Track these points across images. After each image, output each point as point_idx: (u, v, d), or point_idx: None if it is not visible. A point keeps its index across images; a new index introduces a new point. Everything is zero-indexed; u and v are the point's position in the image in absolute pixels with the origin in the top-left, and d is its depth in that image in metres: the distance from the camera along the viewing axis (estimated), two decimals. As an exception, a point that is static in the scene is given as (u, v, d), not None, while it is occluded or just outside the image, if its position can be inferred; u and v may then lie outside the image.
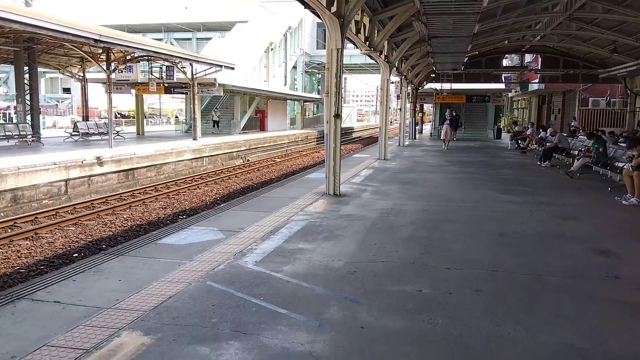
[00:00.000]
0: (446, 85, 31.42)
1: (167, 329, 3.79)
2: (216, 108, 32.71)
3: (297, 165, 24.55)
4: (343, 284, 4.86)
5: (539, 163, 16.57)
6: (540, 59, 28.24)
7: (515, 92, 38.56)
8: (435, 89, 32.30)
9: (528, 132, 23.57)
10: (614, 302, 4.57)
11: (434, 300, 4.48)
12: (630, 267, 5.64)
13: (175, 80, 24.90)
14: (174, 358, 3.36)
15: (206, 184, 17.39)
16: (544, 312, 4.27)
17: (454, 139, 27.20)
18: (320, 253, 5.89)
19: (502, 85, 35.00)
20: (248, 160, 25.43)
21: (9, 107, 41.73)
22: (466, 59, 21.51)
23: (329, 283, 4.88)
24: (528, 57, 33.03)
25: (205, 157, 21.85)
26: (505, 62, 33.78)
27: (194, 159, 20.83)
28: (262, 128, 35.85)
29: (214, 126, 31.81)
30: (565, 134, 20.06)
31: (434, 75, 29.73)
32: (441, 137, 23.71)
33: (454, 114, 26.11)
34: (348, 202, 9.24)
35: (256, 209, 8.53)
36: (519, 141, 23.22)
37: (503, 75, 34.64)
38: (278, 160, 26.07)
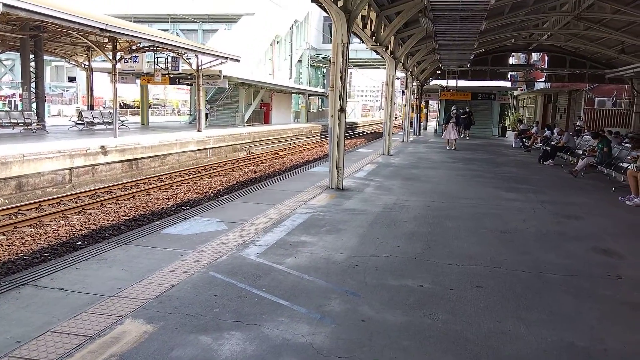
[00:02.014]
0: (452, 82, 31.35)
1: (170, 317, 3.83)
2: (206, 100, 32.60)
3: (300, 158, 24.55)
4: (344, 278, 4.88)
5: (539, 162, 16.54)
6: (546, 58, 28.14)
7: (521, 90, 38.44)
8: (441, 86, 32.23)
9: (533, 130, 23.51)
10: (615, 301, 4.59)
11: (434, 295, 4.50)
12: (632, 267, 5.65)
13: (180, 71, 24.89)
14: (176, 347, 3.39)
15: (210, 176, 17.42)
16: (545, 309, 4.29)
17: (467, 137, 26.43)
18: (323, 246, 5.92)
19: (508, 84, 34.91)
20: (252, 152, 25.45)
21: (14, 94, 41.86)
22: (472, 56, 21.48)
23: (331, 276, 4.91)
24: (535, 56, 32.93)
25: (209, 148, 21.87)
26: (511, 60, 33.69)
27: (197, 150, 20.86)
28: (267, 121, 35.84)
29: (205, 119, 31.30)
30: (571, 133, 20.00)
31: (439, 71, 29.67)
32: (443, 137, 21.15)
33: (462, 110, 24.93)
34: (351, 197, 9.25)
35: (259, 202, 8.56)
36: (524, 139, 23.18)
37: (509, 73, 34.53)
38: (282, 153, 26.08)
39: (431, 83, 32.91)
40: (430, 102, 38.88)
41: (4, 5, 11.85)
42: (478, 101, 30.87)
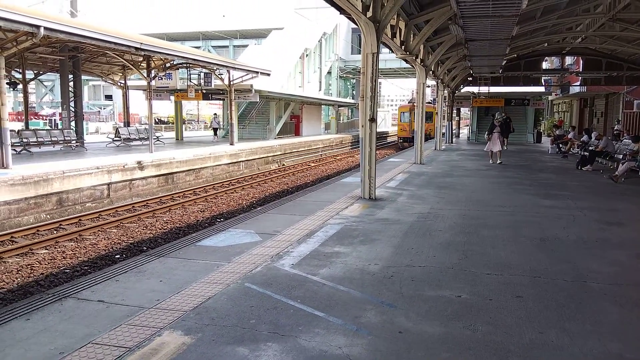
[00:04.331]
0: (484, 89, 30.93)
1: (207, 329, 3.86)
2: (215, 114, 32.96)
3: (331, 169, 24.58)
4: (380, 288, 4.83)
5: (577, 168, 16.09)
6: (581, 61, 27.45)
7: (556, 95, 37.61)
8: (473, 93, 31.84)
9: (569, 135, 22.92)
10: (664, 311, 4.39)
11: (473, 306, 4.40)
12: (681, 275, 5.40)
13: (212, 86, 25.41)
14: (213, 358, 3.41)
15: (243, 188, 17.62)
16: (589, 319, 4.13)
17: (505, 147, 21.13)
18: (357, 257, 5.88)
19: (542, 89, 34.25)
20: (283, 164, 25.64)
21: (54, 113, 43.41)
22: (504, 61, 21.09)
23: (366, 287, 4.86)
24: (569, 60, 32.19)
25: (242, 161, 22.14)
26: (545, 65, 33.01)
27: (231, 163, 21.14)
28: (297, 133, 36.09)
29: (215, 134, 31.41)
30: (610, 138, 19.41)
31: (471, 78, 29.30)
32: (486, 149, 18.25)
33: (503, 116, 20.77)
34: (384, 206, 9.18)
35: (292, 213, 8.58)
36: (560, 145, 22.61)
37: (543, 78, 33.85)
38: (313, 164, 26.17)
39: (462, 90, 32.54)
40: (462, 109, 38.45)
41: (45, 29, 12.35)
42: (511, 107, 30.35)
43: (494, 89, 31.17)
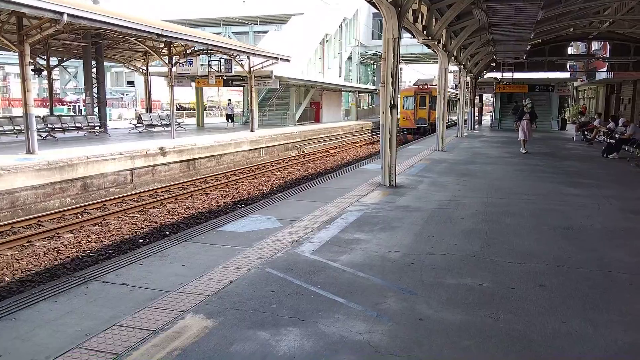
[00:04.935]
0: (507, 75, 30.39)
1: (229, 313, 3.91)
2: (229, 100, 32.74)
3: (351, 156, 24.52)
4: (400, 275, 4.82)
5: (603, 155, 15.74)
6: (608, 47, 26.78)
7: (581, 81, 36.75)
8: (496, 78, 31.33)
9: (595, 122, 22.42)
10: (693, 302, 4.29)
11: (495, 294, 4.37)
12: None
13: (233, 73, 25.43)
14: (235, 341, 3.46)
15: (263, 174, 17.70)
16: (614, 309, 4.07)
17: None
18: (377, 244, 5.87)
19: (567, 75, 33.50)
20: (303, 151, 25.65)
21: (78, 100, 44.06)
22: (529, 47, 20.66)
23: (386, 274, 4.86)
24: (595, 45, 31.39)
25: (262, 148, 22.21)
26: (570, 50, 32.30)
27: (251, 149, 21.23)
28: (317, 119, 36.00)
29: (227, 121, 30.77)
30: (638, 125, 18.91)
31: (494, 64, 28.82)
32: (520, 138, 16.91)
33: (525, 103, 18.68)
34: (404, 194, 9.13)
35: (312, 199, 8.60)
36: (586, 132, 22.14)
37: (568, 63, 33.08)
38: (332, 151, 26.13)
39: (485, 76, 32.01)
40: (485, 95, 37.82)
41: (68, 15, 12.48)
42: (535, 93, 29.77)
43: (518, 75, 30.60)
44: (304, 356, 3.27)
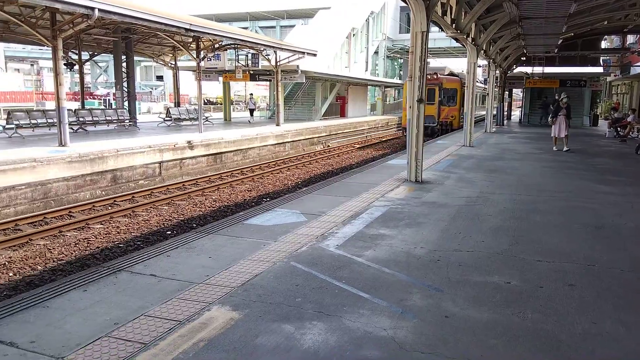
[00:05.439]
0: (537, 69, 29.73)
1: (254, 305, 3.94)
2: (251, 94, 32.73)
3: (377, 151, 24.38)
4: (426, 272, 4.78)
5: (637, 152, 15.27)
6: (645, 40, 25.91)
7: (615, 76, 35.72)
8: (526, 73, 30.69)
9: (629, 118, 21.77)
10: None
11: (523, 293, 4.29)
12: None
13: (260, 67, 25.54)
14: (260, 334, 3.48)
15: (288, 169, 17.76)
16: (648, 311, 3.95)
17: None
18: (402, 240, 5.83)
19: (600, 69, 32.60)
20: (328, 146, 25.62)
21: (108, 93, 44.89)
22: (560, 40, 20.15)
23: (412, 270, 4.82)
24: (630, 38, 30.40)
25: (288, 142, 22.28)
26: (603, 44, 31.37)
27: (277, 144, 21.31)
28: (343, 114, 35.89)
29: (251, 115, 31.15)
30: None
31: (524, 58, 28.22)
32: (553, 134, 16.01)
33: (561, 98, 16.43)
34: (431, 190, 9.04)
35: (337, 194, 8.59)
36: (619, 129, 21.52)
37: (601, 58, 32.17)
38: (358, 146, 26.03)
39: (515, 71, 31.38)
40: (515, 90, 37.10)
41: (100, 10, 12.71)
42: (567, 88, 29.02)
43: (549, 70, 29.92)
44: (328, 350, 3.27)
